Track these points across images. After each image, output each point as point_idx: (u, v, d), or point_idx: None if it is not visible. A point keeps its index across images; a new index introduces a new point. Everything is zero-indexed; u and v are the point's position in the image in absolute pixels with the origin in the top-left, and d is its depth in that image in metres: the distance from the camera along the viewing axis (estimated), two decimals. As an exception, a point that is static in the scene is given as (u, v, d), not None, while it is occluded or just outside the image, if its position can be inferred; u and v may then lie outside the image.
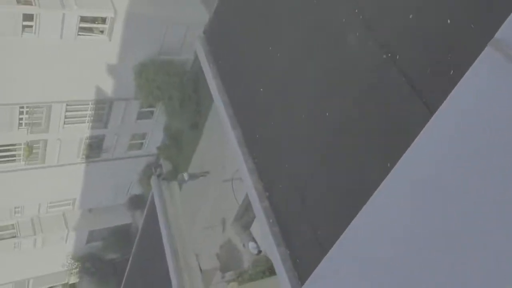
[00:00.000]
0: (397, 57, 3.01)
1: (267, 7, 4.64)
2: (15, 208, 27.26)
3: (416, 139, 2.62)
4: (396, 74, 3.01)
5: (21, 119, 22.42)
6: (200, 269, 8.06)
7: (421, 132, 2.58)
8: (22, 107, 22.05)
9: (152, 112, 25.50)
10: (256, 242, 21.14)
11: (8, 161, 24.00)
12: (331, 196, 3.67)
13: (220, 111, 5.07)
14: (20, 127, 22.69)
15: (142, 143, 27.10)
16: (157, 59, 21.89)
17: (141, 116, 25.18)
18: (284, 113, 4.25)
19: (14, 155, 24.06)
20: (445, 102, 2.52)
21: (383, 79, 3.11)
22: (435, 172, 2.57)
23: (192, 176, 21.86)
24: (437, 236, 2.54)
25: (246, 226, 21.89)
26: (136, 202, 29.14)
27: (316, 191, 3.89)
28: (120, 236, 30.52)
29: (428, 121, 2.60)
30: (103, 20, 20.63)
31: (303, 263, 3.89)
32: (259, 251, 20.77)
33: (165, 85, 21.35)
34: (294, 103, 4.13)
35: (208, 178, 23.92)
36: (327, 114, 3.68)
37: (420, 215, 2.59)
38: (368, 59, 3.22)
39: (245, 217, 22.16)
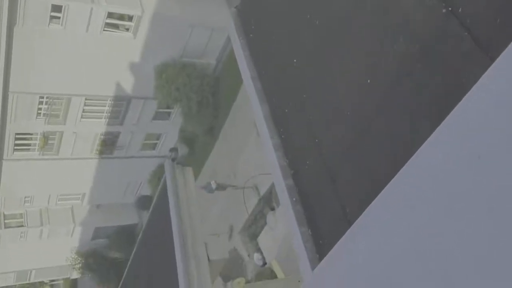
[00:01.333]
0: (460, 10, 2.71)
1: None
2: (25, 197, 27.19)
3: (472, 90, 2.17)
4: (458, 28, 2.71)
5: (40, 109, 22.44)
6: (208, 259, 7.72)
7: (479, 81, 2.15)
8: (42, 97, 22.06)
9: (169, 114, 25.38)
10: (261, 254, 20.73)
11: (23, 149, 23.98)
12: (369, 171, 3.33)
13: (247, 86, 4.80)
14: (38, 117, 22.70)
15: (156, 144, 26.95)
16: (179, 60, 21.80)
17: (157, 116, 25.07)
18: (319, 84, 3.96)
19: (29, 144, 24.04)
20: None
21: (441, 37, 2.81)
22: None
23: (221, 186, 20.87)
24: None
25: (254, 237, 21.55)
26: (144, 203, 28.87)
27: (351, 168, 3.56)
28: (125, 235, 30.22)
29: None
30: (130, 18, 20.66)
31: (327, 244, 3.54)
32: (264, 263, 20.34)
33: (184, 87, 21.21)
34: (332, 72, 3.84)
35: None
36: (368, 81, 3.37)
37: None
38: (424, 17, 2.92)
39: (253, 227, 21.84)
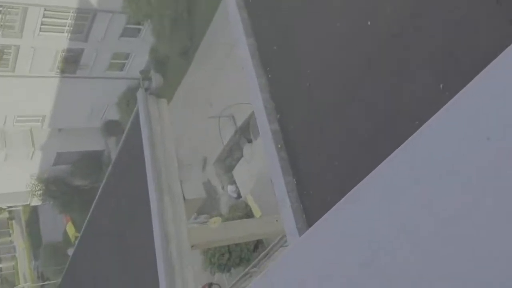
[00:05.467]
0: None
1: None
2: (-22, 118, 26.68)
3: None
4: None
5: (-8, 19, 21.47)
6: (184, 197, 7.86)
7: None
8: (-5, 6, 21.04)
9: (139, 30, 24.61)
10: (236, 186, 21.12)
11: (-27, 64, 23.21)
12: (362, 123, 3.33)
13: (231, 14, 4.62)
14: (-10, 29, 21.79)
15: (124, 64, 26.33)
16: (152, -30, 20.83)
17: (126, 33, 24.30)
18: (314, 20, 3.83)
19: (-19, 59, 23.25)
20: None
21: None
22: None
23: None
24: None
25: (229, 169, 21.85)
26: (112, 128, 28.62)
27: (341, 118, 3.55)
28: (90, 162, 30.16)
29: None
30: None
31: (312, 196, 3.61)
32: (239, 196, 20.79)
33: (157, 1, 20.43)
34: (329, 7, 3.71)
35: (193, 112, 23.45)
36: (369, 23, 3.29)
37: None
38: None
39: (228, 159, 22.08)
